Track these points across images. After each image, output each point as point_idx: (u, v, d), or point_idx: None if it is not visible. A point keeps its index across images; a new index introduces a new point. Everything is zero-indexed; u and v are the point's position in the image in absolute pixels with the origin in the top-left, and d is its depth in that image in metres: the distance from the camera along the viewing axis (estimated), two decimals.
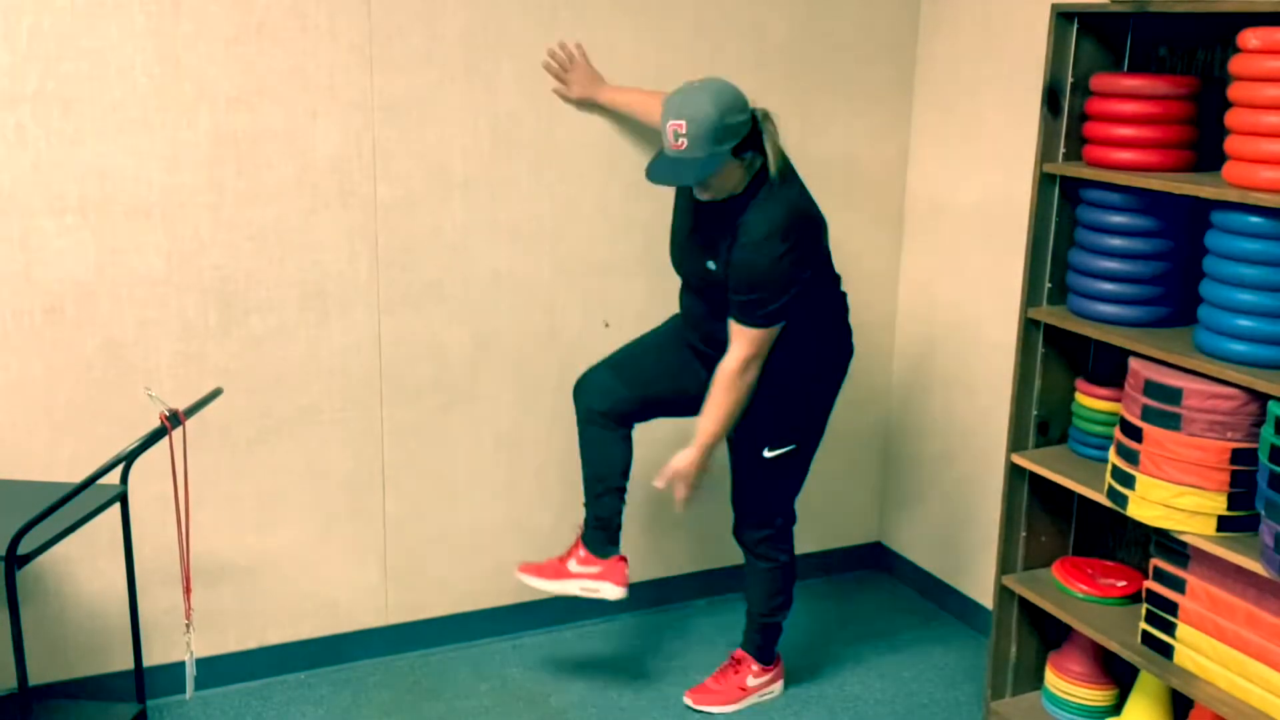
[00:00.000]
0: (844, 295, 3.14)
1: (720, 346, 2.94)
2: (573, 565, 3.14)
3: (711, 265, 2.91)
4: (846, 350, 3.14)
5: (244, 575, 3.29)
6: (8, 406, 2.97)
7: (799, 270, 2.83)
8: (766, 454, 3.05)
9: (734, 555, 3.59)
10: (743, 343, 2.85)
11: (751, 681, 3.31)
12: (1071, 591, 2.98)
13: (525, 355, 3.47)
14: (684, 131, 2.72)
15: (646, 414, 3.19)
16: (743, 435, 3.07)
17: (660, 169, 2.81)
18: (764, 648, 3.33)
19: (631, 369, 3.13)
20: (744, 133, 2.78)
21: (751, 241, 2.79)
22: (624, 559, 3.14)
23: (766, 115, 2.86)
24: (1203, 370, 2.51)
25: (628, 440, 3.14)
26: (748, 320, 2.84)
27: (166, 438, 2.69)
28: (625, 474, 3.15)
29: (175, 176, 3.00)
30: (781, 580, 3.26)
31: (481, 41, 3.23)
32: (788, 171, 2.89)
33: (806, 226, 2.87)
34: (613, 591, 3.12)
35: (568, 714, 3.24)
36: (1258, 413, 2.48)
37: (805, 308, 2.93)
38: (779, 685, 3.38)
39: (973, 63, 3.57)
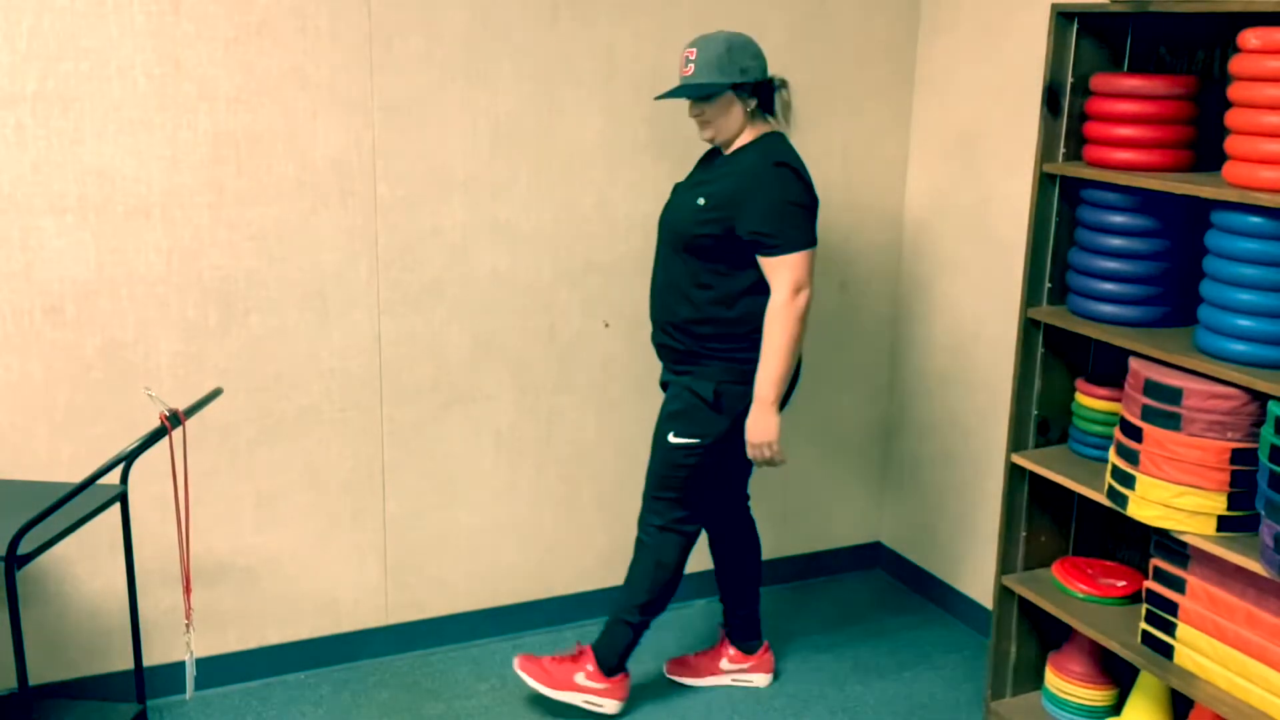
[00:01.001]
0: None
1: (677, 331, 2.97)
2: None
3: (701, 200, 2.92)
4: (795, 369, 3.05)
5: (244, 575, 3.29)
6: (8, 406, 2.97)
7: (807, 195, 2.88)
8: (670, 438, 2.99)
9: None
10: (781, 274, 2.84)
11: (581, 680, 3.15)
12: (1071, 591, 2.98)
13: (525, 355, 3.47)
14: (693, 58, 2.89)
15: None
16: (664, 409, 3.04)
17: (668, 92, 2.94)
18: (607, 650, 3.15)
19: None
20: (752, 76, 2.89)
21: (761, 169, 2.86)
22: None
23: (785, 83, 2.99)
24: (1203, 370, 2.51)
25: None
26: (780, 247, 2.83)
27: (166, 438, 2.69)
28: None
29: (175, 176, 3.00)
30: (651, 579, 3.09)
31: (481, 41, 3.23)
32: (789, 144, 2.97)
33: (806, 170, 2.92)
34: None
35: (568, 714, 3.24)
36: (1258, 413, 2.48)
37: (759, 308, 2.92)
38: (613, 705, 3.17)
39: (973, 63, 3.57)
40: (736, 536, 3.32)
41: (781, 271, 2.85)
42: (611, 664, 3.16)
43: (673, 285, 3.00)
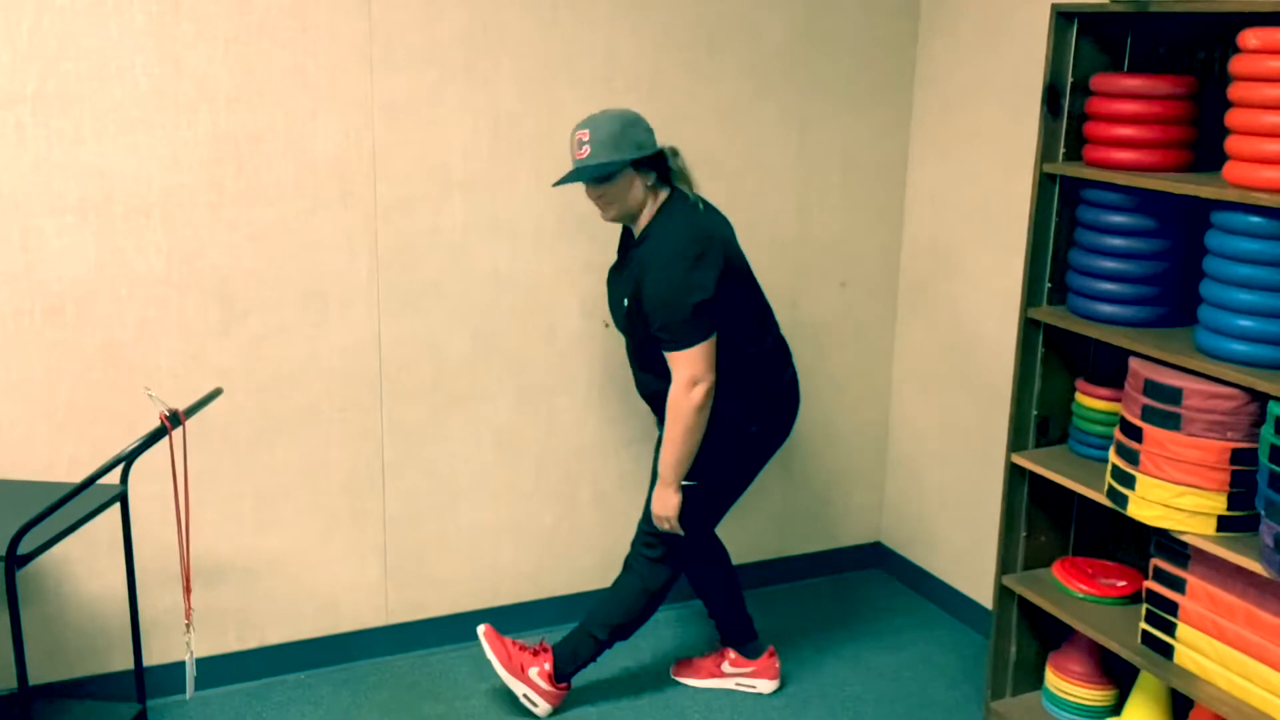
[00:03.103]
0: (776, 351, 3.07)
1: (652, 399, 3.06)
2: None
3: (625, 302, 2.97)
4: (777, 413, 3.08)
5: (244, 575, 3.29)
6: (8, 406, 2.97)
7: (706, 279, 2.83)
8: None
9: (738, 554, 3.59)
10: (678, 366, 2.87)
11: (533, 674, 3.17)
12: (1071, 591, 2.98)
13: (525, 355, 3.47)
14: (586, 139, 2.87)
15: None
16: (660, 445, 3.07)
17: (565, 176, 2.91)
18: (568, 658, 3.18)
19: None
20: (648, 151, 2.88)
21: (656, 262, 2.86)
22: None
23: (676, 152, 2.97)
24: (1203, 370, 2.51)
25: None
26: (674, 344, 2.86)
27: (166, 438, 2.69)
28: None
29: (175, 176, 3.00)
30: (633, 603, 3.14)
31: (481, 41, 3.23)
32: (694, 201, 2.94)
33: (708, 241, 2.87)
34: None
35: (567, 714, 3.24)
36: (1258, 413, 2.48)
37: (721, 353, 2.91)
38: (546, 709, 3.19)
39: (973, 63, 3.57)
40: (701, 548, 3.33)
41: (678, 365, 2.87)
42: (566, 672, 3.19)
43: (639, 361, 3.07)
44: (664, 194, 2.94)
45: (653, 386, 3.06)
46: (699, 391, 2.87)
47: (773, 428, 3.08)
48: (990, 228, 3.54)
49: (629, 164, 2.86)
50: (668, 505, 3.00)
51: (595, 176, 2.86)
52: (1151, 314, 2.78)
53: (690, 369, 2.85)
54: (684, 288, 2.82)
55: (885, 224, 3.88)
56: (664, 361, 2.94)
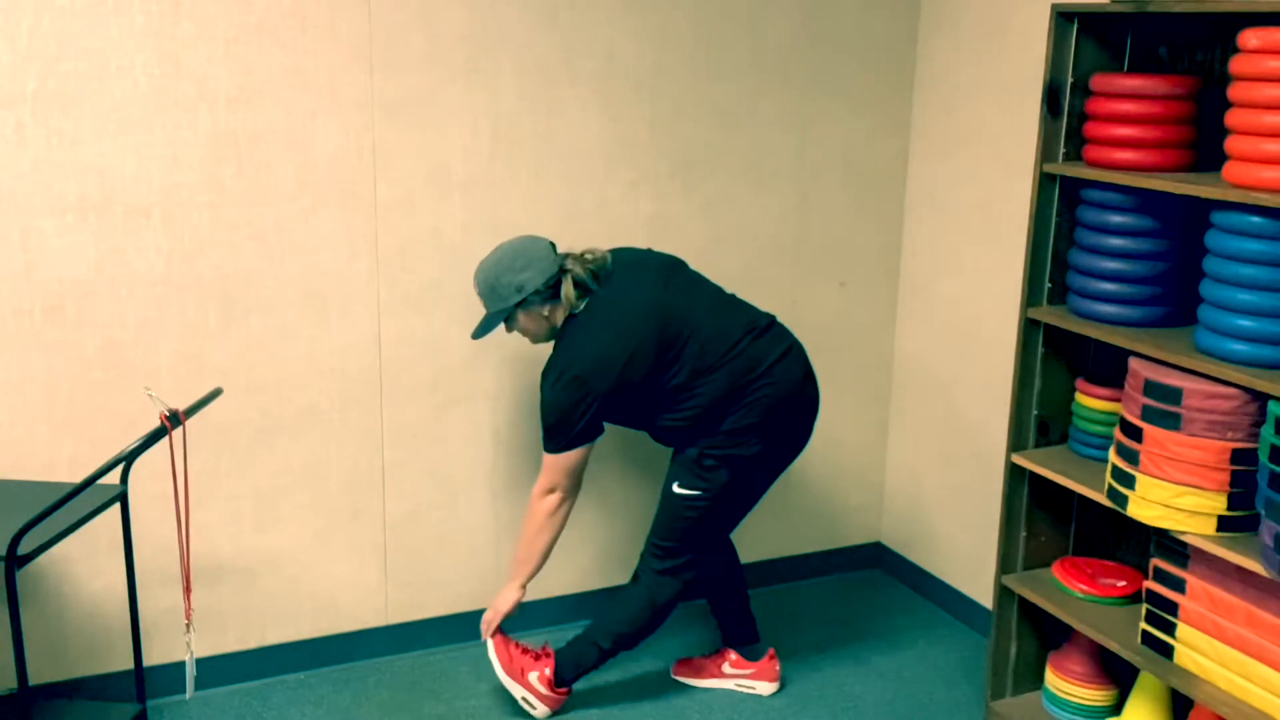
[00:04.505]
0: (747, 369, 3.01)
1: (659, 435, 3.14)
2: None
3: None
4: (779, 431, 3.07)
5: (244, 575, 3.29)
6: (8, 406, 2.97)
7: (580, 402, 2.95)
8: (675, 489, 3.07)
9: (741, 554, 3.59)
10: (543, 468, 3.06)
11: (532, 678, 3.18)
12: (1071, 591, 2.98)
13: (525, 355, 3.47)
14: (477, 292, 3.06)
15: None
16: (672, 462, 3.13)
17: (476, 330, 3.08)
18: (569, 665, 3.19)
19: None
20: (532, 287, 2.96)
21: (546, 372, 3.02)
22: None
23: (579, 259, 3.01)
24: (1203, 370, 2.51)
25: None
26: (545, 445, 3.03)
27: (166, 438, 2.69)
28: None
29: (175, 176, 3.00)
30: (638, 615, 3.16)
31: (481, 41, 3.23)
32: (597, 303, 3.00)
33: (589, 362, 2.96)
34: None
35: (567, 714, 3.24)
36: (1258, 413, 2.48)
37: (682, 394, 3.00)
38: (544, 711, 3.20)
39: (973, 63, 3.57)
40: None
41: (543, 467, 3.05)
42: (566, 678, 3.20)
43: (636, 423, 3.19)
44: (566, 308, 3.00)
45: (651, 433, 3.16)
46: (552, 500, 3.05)
47: (777, 445, 3.10)
48: (990, 228, 3.54)
49: (514, 308, 2.98)
50: (500, 602, 3.16)
51: (487, 331, 3.02)
52: (1151, 314, 2.78)
53: (550, 476, 3.03)
54: (557, 405, 2.97)
55: (885, 224, 3.88)
56: (643, 410, 3.06)
